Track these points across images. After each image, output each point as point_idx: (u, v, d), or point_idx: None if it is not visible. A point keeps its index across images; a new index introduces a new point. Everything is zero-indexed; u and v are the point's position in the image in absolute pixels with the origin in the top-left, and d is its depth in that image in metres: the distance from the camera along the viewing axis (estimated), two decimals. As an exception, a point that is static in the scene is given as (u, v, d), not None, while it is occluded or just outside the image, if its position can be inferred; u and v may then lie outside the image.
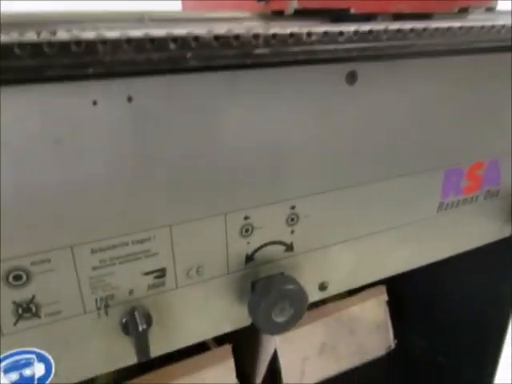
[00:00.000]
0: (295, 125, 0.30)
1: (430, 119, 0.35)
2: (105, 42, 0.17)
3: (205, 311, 0.32)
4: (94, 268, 0.27)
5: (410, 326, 0.72)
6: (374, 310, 0.67)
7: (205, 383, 0.55)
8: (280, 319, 0.33)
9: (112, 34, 0.17)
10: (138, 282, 0.29)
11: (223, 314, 0.34)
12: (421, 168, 0.37)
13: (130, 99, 0.24)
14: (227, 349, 0.55)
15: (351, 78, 0.30)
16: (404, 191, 0.38)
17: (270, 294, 0.32)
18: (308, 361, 0.63)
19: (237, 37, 0.19)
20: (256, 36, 0.19)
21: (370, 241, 0.38)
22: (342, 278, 0.38)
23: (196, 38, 0.19)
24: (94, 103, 0.23)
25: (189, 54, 0.19)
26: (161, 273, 0.29)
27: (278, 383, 0.62)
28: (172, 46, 0.18)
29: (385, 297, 0.68)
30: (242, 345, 0.60)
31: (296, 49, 0.20)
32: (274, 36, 0.19)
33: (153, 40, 0.18)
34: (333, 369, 0.65)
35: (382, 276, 0.41)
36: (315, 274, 0.37)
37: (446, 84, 0.35)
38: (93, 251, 0.26)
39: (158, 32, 0.18)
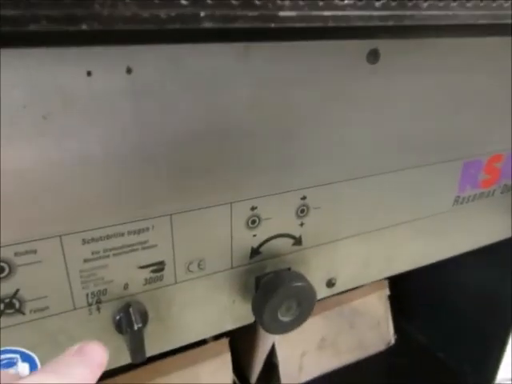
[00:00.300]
0: (309, 108, 0.27)
1: (451, 107, 0.33)
2: (102, -8, 0.14)
3: (205, 308, 0.30)
4: (86, 260, 0.24)
5: (411, 322, 0.71)
6: (375, 305, 0.66)
7: (199, 377, 0.53)
8: (286, 318, 0.31)
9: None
10: (134, 276, 0.26)
11: (225, 311, 0.31)
12: (439, 159, 0.35)
13: (129, 71, 0.21)
14: (224, 343, 0.53)
15: (373, 57, 0.27)
16: (420, 183, 0.35)
17: (277, 291, 0.29)
18: (306, 355, 0.62)
19: (260, -5, 0.16)
20: (281, -5, 0.16)
21: (382, 235, 0.36)
22: (351, 275, 0.36)
23: (212, -6, 0.15)
24: (89, 74, 0.20)
25: (202, 13, 0.16)
26: (159, 266, 0.27)
27: (275, 378, 0.61)
28: (183, 1, 0.15)
29: (386, 292, 0.67)
30: (239, 338, 0.58)
31: (326, 13, 0.17)
32: (303, -4, 0.17)
33: (160, -7, 0.15)
34: (332, 364, 0.64)
35: (393, 273, 0.39)
36: (323, 269, 0.34)
37: (472, 69, 0.32)
38: (84, 241, 0.24)
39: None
